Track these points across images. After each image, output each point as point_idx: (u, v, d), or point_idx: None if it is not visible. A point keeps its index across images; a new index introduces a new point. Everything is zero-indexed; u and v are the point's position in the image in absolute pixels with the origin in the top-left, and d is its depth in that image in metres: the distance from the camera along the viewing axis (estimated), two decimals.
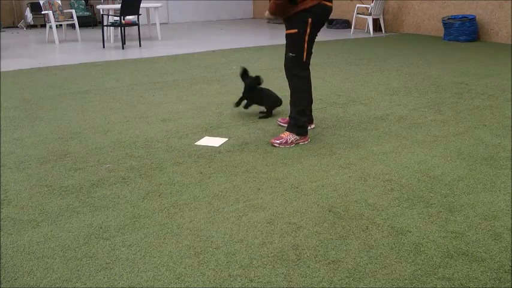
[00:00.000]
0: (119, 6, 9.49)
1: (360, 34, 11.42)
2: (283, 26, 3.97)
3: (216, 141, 3.88)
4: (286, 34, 3.73)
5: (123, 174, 3.30)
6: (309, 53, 3.76)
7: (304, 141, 3.83)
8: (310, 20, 3.58)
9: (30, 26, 13.50)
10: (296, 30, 3.61)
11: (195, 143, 3.87)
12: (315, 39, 3.80)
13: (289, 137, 3.78)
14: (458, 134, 4.05)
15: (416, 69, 6.95)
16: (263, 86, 4.54)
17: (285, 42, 3.83)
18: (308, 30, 3.61)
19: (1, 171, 3.36)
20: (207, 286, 2.10)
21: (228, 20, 15.83)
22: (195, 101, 5.24)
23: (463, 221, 2.62)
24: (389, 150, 3.70)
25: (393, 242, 2.42)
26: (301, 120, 3.79)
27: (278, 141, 3.77)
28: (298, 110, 3.79)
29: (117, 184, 3.15)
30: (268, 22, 14.24)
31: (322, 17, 3.65)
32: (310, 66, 3.91)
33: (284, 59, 3.80)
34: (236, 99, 4.69)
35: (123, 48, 9.38)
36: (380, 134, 4.06)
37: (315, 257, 2.30)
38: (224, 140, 3.95)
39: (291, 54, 3.70)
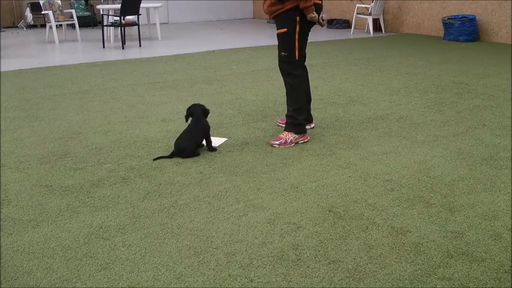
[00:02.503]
0: (119, 6, 9.49)
1: (360, 34, 11.41)
2: None
3: (215, 141, 3.88)
4: (277, 34, 3.75)
5: (123, 174, 3.31)
6: (302, 51, 3.77)
7: (303, 140, 3.83)
8: (298, 18, 3.60)
9: (30, 26, 13.50)
10: (286, 29, 3.64)
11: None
12: (308, 37, 3.81)
13: (288, 136, 3.78)
14: (458, 134, 4.05)
15: (416, 69, 6.95)
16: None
17: None
18: (298, 28, 3.63)
19: (1, 171, 3.36)
20: (207, 286, 2.10)
21: (228, 20, 15.82)
22: (194, 101, 5.22)
23: (463, 221, 2.62)
24: (389, 150, 3.70)
25: (393, 242, 2.42)
26: (298, 119, 3.79)
27: (277, 142, 3.77)
28: (294, 108, 3.80)
29: (117, 184, 3.15)
30: (268, 22, 14.24)
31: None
32: (309, 66, 3.91)
33: (278, 59, 3.83)
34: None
35: (123, 48, 9.38)
36: (380, 134, 4.06)
37: (315, 257, 2.30)
38: (224, 140, 3.95)
39: (283, 53, 3.73)
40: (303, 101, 3.87)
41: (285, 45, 3.71)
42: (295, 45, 3.67)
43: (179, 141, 3.60)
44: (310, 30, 3.81)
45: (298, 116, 3.79)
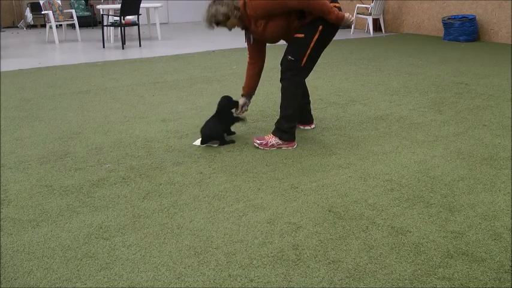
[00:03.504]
0: (119, 6, 9.49)
1: (360, 34, 11.42)
2: None
3: (213, 141, 3.87)
4: (292, 38, 3.59)
5: (123, 174, 3.30)
6: (310, 62, 3.62)
7: (288, 147, 3.73)
8: (321, 27, 3.47)
9: (30, 26, 13.50)
10: (303, 34, 3.50)
11: (193, 143, 3.87)
12: (324, 49, 3.67)
13: (271, 140, 3.73)
14: (458, 134, 4.05)
15: (416, 69, 6.95)
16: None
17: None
18: (315, 37, 3.49)
19: (1, 171, 3.37)
20: (207, 286, 2.10)
21: None
22: (195, 101, 5.24)
23: (463, 221, 2.62)
24: (389, 150, 3.70)
25: (393, 242, 2.42)
26: (284, 126, 3.69)
27: (259, 142, 3.74)
28: (283, 115, 3.71)
29: (117, 184, 3.15)
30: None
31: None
32: None
33: (281, 62, 3.70)
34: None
35: (123, 48, 9.38)
36: (380, 134, 4.06)
37: (315, 257, 2.30)
38: None
39: (290, 57, 3.59)
40: (295, 110, 3.72)
41: (295, 49, 3.55)
42: (306, 52, 3.52)
43: (204, 128, 3.80)
44: (328, 44, 3.68)
45: (285, 123, 3.69)
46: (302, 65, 3.59)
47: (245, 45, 3.99)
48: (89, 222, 2.66)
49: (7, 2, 13.58)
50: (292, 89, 3.69)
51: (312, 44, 3.52)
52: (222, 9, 3.43)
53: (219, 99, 3.94)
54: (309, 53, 3.56)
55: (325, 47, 3.68)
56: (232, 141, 3.87)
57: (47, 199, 2.94)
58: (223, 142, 3.82)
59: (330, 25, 3.54)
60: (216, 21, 3.50)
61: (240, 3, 3.48)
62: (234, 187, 3.08)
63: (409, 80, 6.22)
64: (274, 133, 3.76)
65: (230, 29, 3.66)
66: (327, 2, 3.44)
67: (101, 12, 10.38)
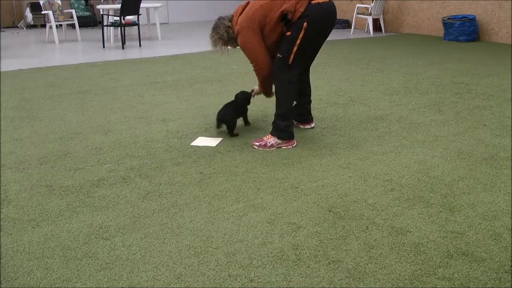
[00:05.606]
0: (119, 6, 9.49)
1: (360, 34, 11.42)
2: None
3: (211, 141, 3.87)
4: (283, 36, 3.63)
5: (123, 174, 3.31)
6: (298, 59, 3.60)
7: (287, 146, 3.74)
8: (305, 24, 3.48)
9: (30, 26, 13.50)
10: (290, 32, 3.54)
11: (191, 144, 3.86)
12: (315, 53, 3.75)
13: (270, 140, 3.73)
14: (458, 134, 4.05)
15: (416, 69, 6.95)
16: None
17: None
18: (301, 34, 3.49)
19: (1, 171, 3.37)
20: (207, 286, 2.11)
21: None
22: (195, 101, 5.24)
23: (463, 221, 2.62)
24: (389, 150, 3.70)
25: (393, 242, 2.42)
26: (281, 125, 3.70)
27: (257, 144, 3.74)
28: (278, 114, 3.72)
29: (117, 184, 3.15)
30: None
31: (321, 16, 3.55)
32: (310, 67, 3.86)
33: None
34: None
35: (123, 48, 9.38)
36: (380, 134, 4.06)
37: (315, 257, 2.30)
38: (219, 139, 3.94)
39: (278, 55, 3.62)
40: (289, 108, 3.73)
41: (283, 46, 3.59)
42: (292, 49, 3.54)
43: (219, 113, 4.03)
44: (318, 45, 3.72)
45: (281, 122, 3.70)
46: (290, 62, 3.60)
47: None
48: (89, 222, 2.66)
49: (7, 2, 13.58)
50: (283, 87, 3.69)
51: (298, 41, 3.53)
52: (223, 32, 3.84)
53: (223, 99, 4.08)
54: (296, 51, 3.56)
55: (314, 44, 3.69)
56: (236, 135, 4.02)
57: (47, 199, 2.94)
58: (232, 129, 4.00)
59: (316, 22, 3.54)
60: (223, 42, 3.86)
61: (235, 31, 3.74)
62: (234, 187, 3.08)
63: (409, 80, 6.22)
64: (273, 133, 3.76)
65: (235, 47, 3.95)
66: (266, 74, 3.74)
67: (101, 12, 10.38)
